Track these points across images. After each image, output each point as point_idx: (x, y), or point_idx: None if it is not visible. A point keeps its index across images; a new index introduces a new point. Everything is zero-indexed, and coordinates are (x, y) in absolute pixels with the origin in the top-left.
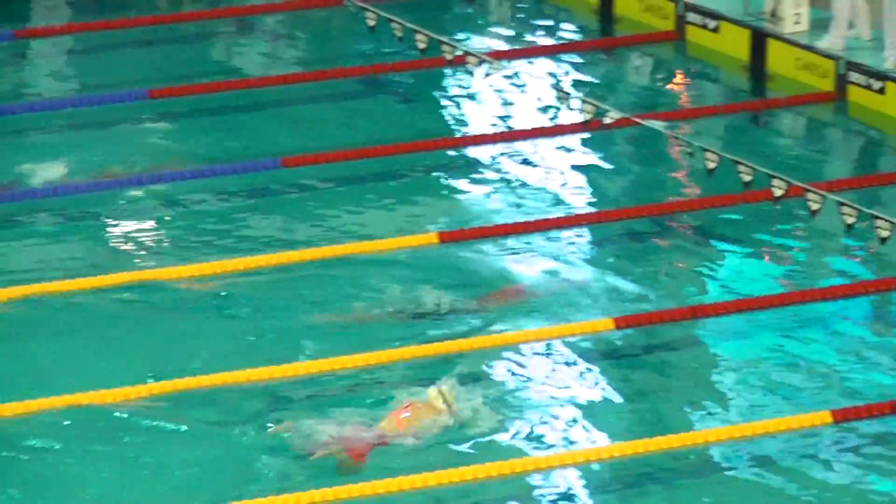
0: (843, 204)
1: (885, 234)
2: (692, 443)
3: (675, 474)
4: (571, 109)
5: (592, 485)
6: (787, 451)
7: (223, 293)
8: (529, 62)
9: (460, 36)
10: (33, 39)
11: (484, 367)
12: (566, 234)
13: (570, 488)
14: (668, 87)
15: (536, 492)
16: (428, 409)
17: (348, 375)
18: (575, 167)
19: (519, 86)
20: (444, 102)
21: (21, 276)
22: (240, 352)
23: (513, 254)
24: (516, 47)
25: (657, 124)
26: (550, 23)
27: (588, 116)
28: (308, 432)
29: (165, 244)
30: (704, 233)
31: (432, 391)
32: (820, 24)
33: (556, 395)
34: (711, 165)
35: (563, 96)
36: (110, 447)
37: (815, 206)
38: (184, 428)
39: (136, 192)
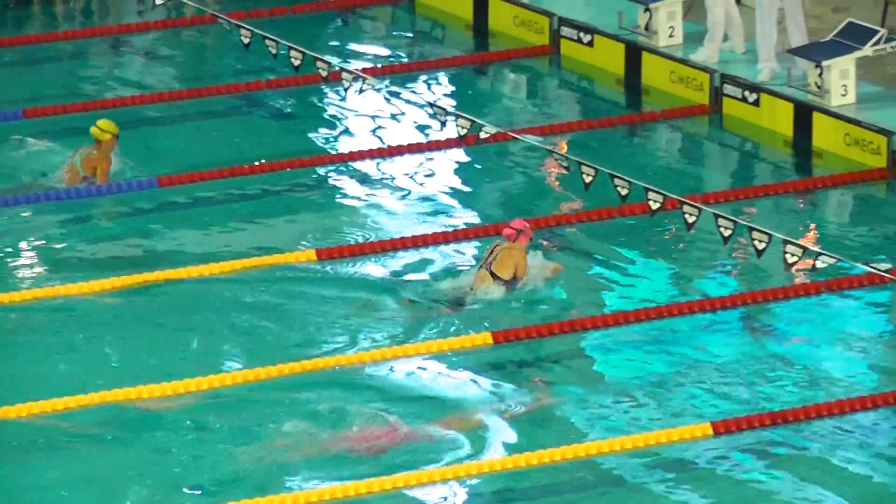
0: (719, 216)
1: (761, 245)
2: (574, 455)
3: (560, 487)
4: (447, 125)
5: (475, 499)
6: (670, 463)
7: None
8: (405, 78)
9: (336, 52)
10: None
11: (357, 379)
12: (445, 248)
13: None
14: (544, 101)
15: None
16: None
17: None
18: (452, 183)
19: (395, 102)
20: (319, 119)
21: None
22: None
23: (392, 269)
24: (392, 63)
25: (533, 139)
26: (426, 39)
27: (464, 132)
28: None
29: (36, 264)
30: (582, 246)
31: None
32: (694, 38)
33: (431, 409)
34: (588, 179)
35: (439, 112)
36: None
37: (691, 219)
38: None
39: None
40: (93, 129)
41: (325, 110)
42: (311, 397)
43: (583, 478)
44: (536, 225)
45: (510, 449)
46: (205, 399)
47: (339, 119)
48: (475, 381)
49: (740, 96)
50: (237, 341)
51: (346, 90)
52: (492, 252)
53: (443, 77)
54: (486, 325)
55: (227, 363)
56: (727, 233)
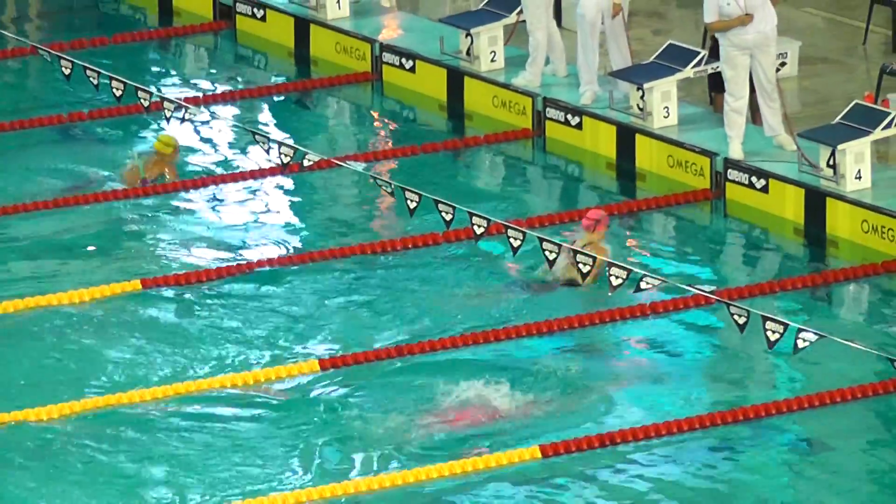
0: (543, 240)
1: (586, 269)
2: (416, 479)
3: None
4: (271, 152)
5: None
6: (499, 488)
7: None
8: (227, 107)
9: (157, 82)
10: None
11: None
12: (270, 275)
13: None
14: (368, 127)
15: None
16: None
17: None
18: (276, 210)
19: (217, 131)
20: (142, 149)
21: None
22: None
23: (217, 298)
24: (214, 92)
25: (357, 165)
26: (248, 67)
27: (287, 159)
28: None
29: None
30: (408, 272)
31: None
32: (516, 62)
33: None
34: (412, 205)
35: (262, 140)
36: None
37: (516, 243)
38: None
39: None
40: (156, 144)
41: (148, 140)
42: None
43: None
44: (362, 251)
45: (325, 479)
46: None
47: None
48: (297, 411)
49: (563, 119)
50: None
51: (167, 119)
52: (574, 243)
53: (266, 105)
54: None
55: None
56: (552, 256)
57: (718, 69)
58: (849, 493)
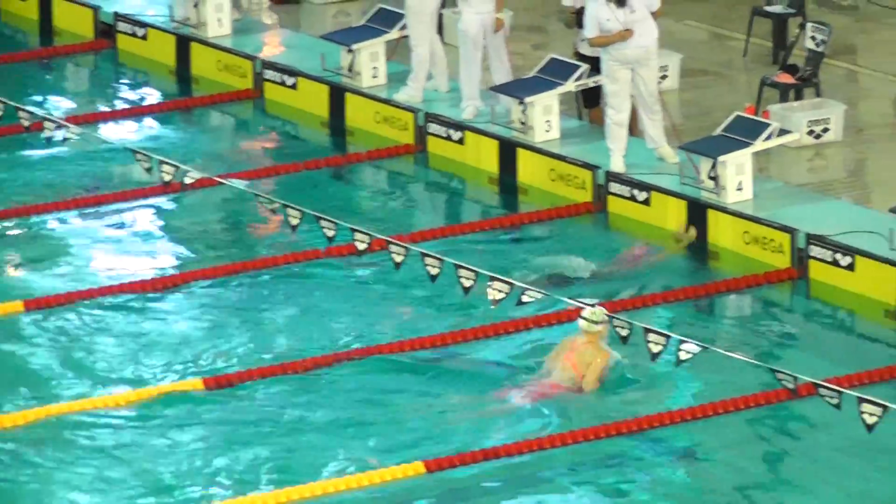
0: (426, 255)
1: (468, 283)
2: (300, 497)
3: None
4: (152, 171)
5: None
6: (387, 502)
7: None
8: (108, 125)
9: (38, 102)
10: None
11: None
12: (153, 295)
13: None
14: (249, 145)
15: None
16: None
17: None
18: (157, 229)
19: (98, 150)
20: (22, 170)
21: None
22: None
23: (98, 318)
24: (95, 111)
25: (239, 183)
26: (128, 86)
27: (168, 178)
28: None
29: None
30: (291, 289)
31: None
32: (399, 77)
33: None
34: (294, 222)
35: (143, 158)
36: None
37: (398, 259)
38: None
39: None
40: None
41: (29, 160)
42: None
43: None
44: (244, 269)
45: (222, 494)
46: None
47: (42, 169)
48: (180, 431)
49: (445, 134)
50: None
51: (48, 140)
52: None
53: (147, 123)
54: None
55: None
56: (434, 271)
57: (598, 83)
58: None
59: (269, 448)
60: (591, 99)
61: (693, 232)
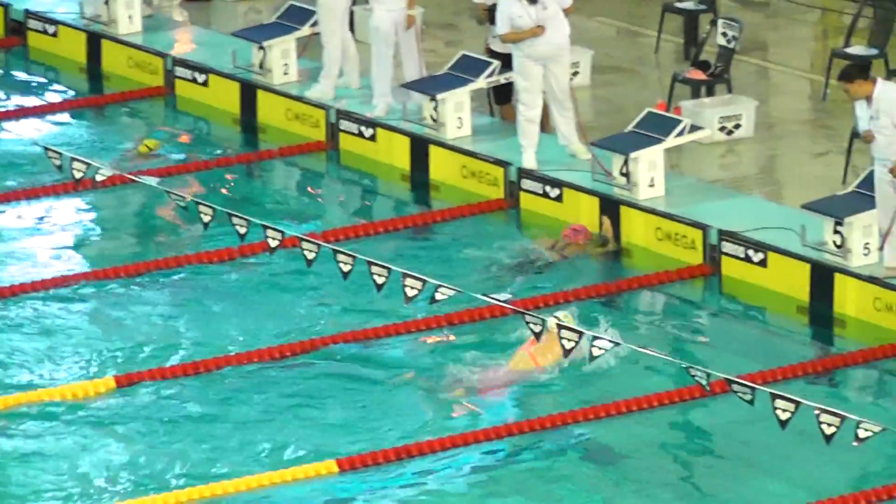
0: (337, 251)
1: (381, 280)
2: (212, 494)
3: None
4: (63, 168)
5: None
6: (299, 500)
7: None
8: (19, 122)
9: None
10: None
11: None
12: (63, 293)
13: None
14: (160, 141)
15: None
16: (552, 341)
17: None
18: (69, 227)
19: (9, 147)
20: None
21: None
22: None
23: (6, 317)
24: (6, 109)
25: (151, 180)
26: (39, 83)
27: (80, 175)
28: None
29: None
30: (202, 286)
31: (551, 322)
32: (310, 74)
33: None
34: (206, 219)
35: (54, 156)
36: None
37: (310, 256)
38: None
39: None
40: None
41: None
42: None
43: None
44: (156, 267)
45: (133, 493)
46: None
47: None
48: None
49: (357, 132)
50: None
51: None
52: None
53: (58, 120)
54: None
55: None
56: (347, 268)
57: (510, 80)
58: (647, 501)
59: (183, 446)
60: (503, 95)
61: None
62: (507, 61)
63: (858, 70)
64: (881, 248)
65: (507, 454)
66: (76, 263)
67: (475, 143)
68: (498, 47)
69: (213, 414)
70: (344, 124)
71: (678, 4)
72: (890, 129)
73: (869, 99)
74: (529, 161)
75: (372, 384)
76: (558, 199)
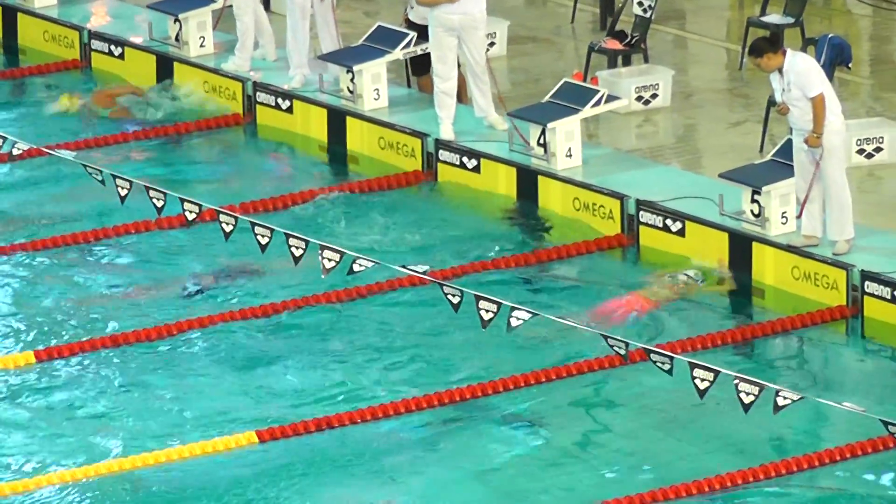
0: (255, 224)
1: (298, 252)
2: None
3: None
4: None
5: None
6: (221, 469)
7: None
8: None
9: None
10: None
11: None
12: None
13: None
14: (77, 115)
15: None
16: None
17: None
18: None
19: None
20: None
21: None
22: None
23: None
24: None
25: (67, 154)
26: None
27: None
28: None
29: None
30: (120, 259)
31: None
32: (227, 47)
33: None
34: (123, 192)
35: None
36: None
37: (228, 228)
38: None
39: None
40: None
41: None
42: None
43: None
44: (74, 241)
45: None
46: None
47: None
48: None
49: (273, 104)
50: None
51: None
52: None
53: None
54: None
55: None
56: (264, 241)
57: (427, 51)
58: (574, 468)
59: (106, 418)
60: (420, 67)
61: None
62: (424, 32)
63: (768, 43)
64: (799, 217)
65: (440, 422)
66: None
67: (392, 115)
68: (416, 18)
69: (136, 385)
70: (261, 96)
71: None
72: (802, 100)
73: (781, 71)
74: (447, 132)
75: (294, 354)
76: (476, 169)
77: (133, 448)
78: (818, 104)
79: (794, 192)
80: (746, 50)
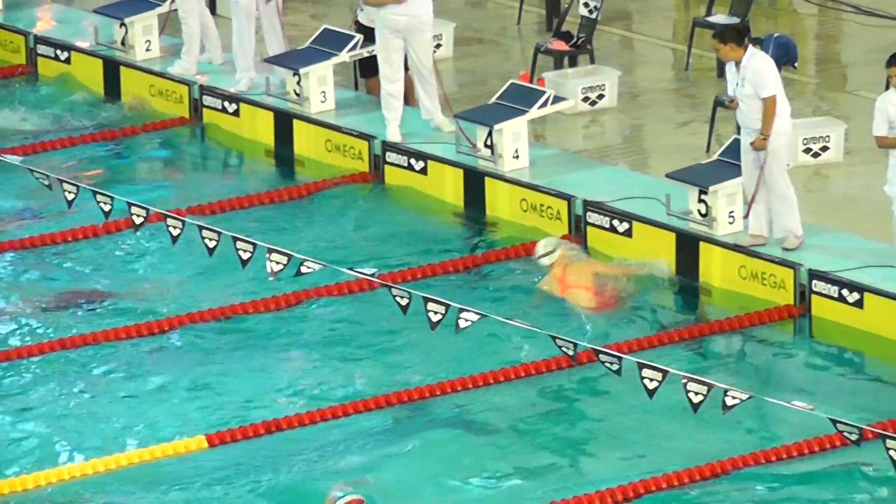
0: (202, 227)
1: (245, 255)
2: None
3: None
4: None
5: None
6: (170, 475)
7: None
8: None
9: None
10: None
11: None
12: None
13: None
14: (24, 119)
15: None
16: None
17: None
18: None
19: None
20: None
21: None
22: None
23: None
24: None
25: (13, 159)
26: None
27: None
28: None
29: None
30: (68, 264)
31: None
32: (173, 50)
33: None
34: (70, 197)
35: None
36: None
37: (175, 232)
38: None
39: None
40: None
41: None
42: None
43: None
44: (21, 246)
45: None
46: None
47: None
48: None
49: (220, 107)
50: None
51: None
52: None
53: None
54: None
55: None
56: (212, 244)
57: (374, 53)
58: (525, 468)
59: (51, 424)
60: (369, 69)
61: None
62: (373, 35)
63: (735, 33)
64: (746, 217)
65: (391, 423)
66: None
67: (339, 117)
68: (366, 21)
69: (80, 390)
70: (207, 100)
71: None
72: (754, 98)
73: (738, 64)
74: (393, 134)
75: (244, 357)
76: (423, 171)
77: (80, 454)
78: (769, 105)
79: (740, 191)
80: (711, 34)
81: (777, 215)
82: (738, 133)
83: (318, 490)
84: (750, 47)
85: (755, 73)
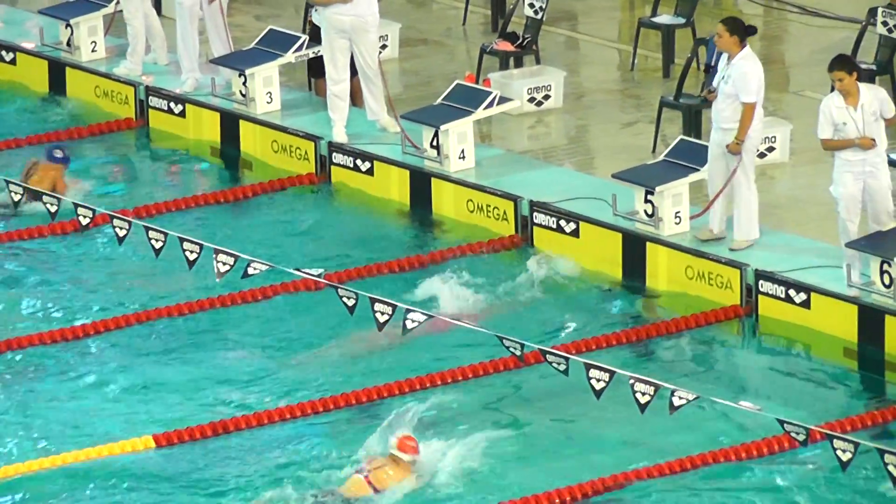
0: (150, 228)
1: (192, 256)
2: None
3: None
4: None
5: None
6: (120, 472)
7: None
8: None
9: None
10: None
11: None
12: None
13: None
14: None
15: None
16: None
17: None
18: None
19: None
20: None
21: None
22: None
23: None
24: None
25: None
26: None
27: None
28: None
29: None
30: (18, 266)
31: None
32: (119, 51)
33: None
34: (16, 198)
35: None
36: None
37: (121, 233)
38: None
39: None
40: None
41: None
42: None
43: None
44: None
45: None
46: None
47: None
48: None
49: (166, 108)
50: None
51: None
52: None
53: None
54: None
55: None
56: (158, 245)
57: (320, 53)
58: (476, 469)
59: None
60: (319, 69)
61: None
62: (315, 36)
63: (739, 27)
64: (704, 212)
65: (342, 423)
66: None
67: (285, 118)
68: (319, 21)
69: (29, 389)
70: (153, 101)
71: None
72: (732, 97)
73: (730, 58)
74: (339, 135)
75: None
76: (369, 172)
77: (24, 454)
78: (747, 111)
79: (687, 192)
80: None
81: (739, 218)
82: (685, 134)
83: (262, 491)
84: (747, 48)
85: (742, 75)
